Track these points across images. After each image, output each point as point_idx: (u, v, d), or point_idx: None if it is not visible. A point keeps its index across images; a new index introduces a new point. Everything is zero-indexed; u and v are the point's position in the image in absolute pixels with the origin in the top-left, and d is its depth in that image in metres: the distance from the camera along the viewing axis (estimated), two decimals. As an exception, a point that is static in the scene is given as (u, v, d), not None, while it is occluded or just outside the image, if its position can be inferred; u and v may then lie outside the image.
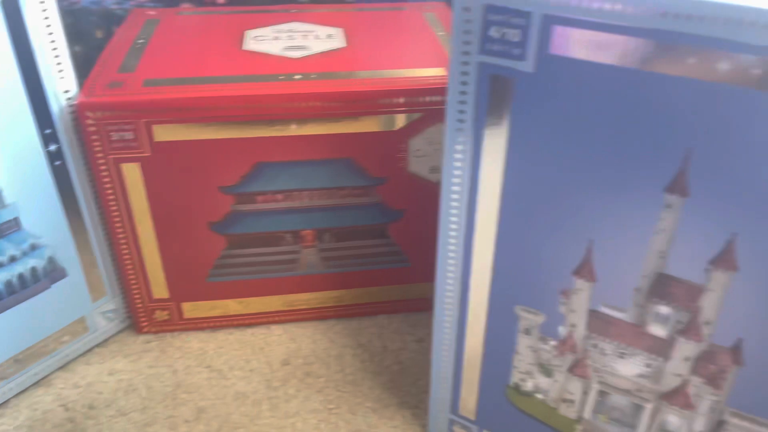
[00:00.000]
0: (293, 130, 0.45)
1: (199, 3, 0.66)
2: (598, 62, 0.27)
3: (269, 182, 0.47)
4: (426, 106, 0.46)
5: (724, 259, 0.28)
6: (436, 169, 0.49)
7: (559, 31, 0.27)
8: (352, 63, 0.48)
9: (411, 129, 0.47)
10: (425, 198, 0.50)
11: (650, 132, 0.27)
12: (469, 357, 0.39)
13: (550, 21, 0.27)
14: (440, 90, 0.46)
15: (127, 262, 0.49)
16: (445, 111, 0.32)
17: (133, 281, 0.50)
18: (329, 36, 0.53)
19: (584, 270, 0.32)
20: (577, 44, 0.27)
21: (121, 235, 0.48)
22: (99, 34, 0.65)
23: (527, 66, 0.29)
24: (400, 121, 0.46)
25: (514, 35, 0.28)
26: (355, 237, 0.51)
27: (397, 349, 0.52)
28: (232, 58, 0.49)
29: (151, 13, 0.58)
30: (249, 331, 0.54)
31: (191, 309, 0.53)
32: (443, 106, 0.46)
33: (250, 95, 0.43)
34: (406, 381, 0.49)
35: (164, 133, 0.44)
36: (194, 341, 0.53)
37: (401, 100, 0.45)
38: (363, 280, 0.54)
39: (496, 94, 0.30)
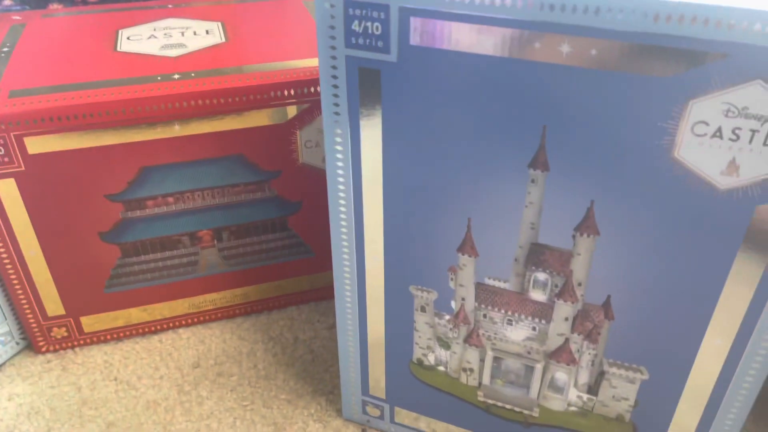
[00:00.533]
0: (177, 131, 0.44)
1: (69, 2, 0.63)
2: (456, 50, 0.29)
3: (158, 186, 0.46)
4: (312, 97, 0.46)
5: (586, 225, 0.31)
6: (329, 158, 0.49)
7: (416, 23, 0.28)
8: (233, 58, 0.48)
9: (299, 120, 0.47)
10: (321, 187, 0.51)
11: (509, 113, 0.29)
12: (372, 339, 0.41)
13: (407, 13, 0.28)
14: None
15: (15, 282, 0.47)
16: (322, 107, 0.33)
17: (23, 301, 0.48)
18: (208, 31, 0.52)
19: (466, 246, 0.34)
20: (434, 35, 0.28)
21: (3, 255, 0.45)
22: (-40, 41, 0.61)
23: (391, 57, 0.30)
24: (288, 113, 0.46)
25: (375, 28, 0.29)
26: (254, 233, 0.51)
27: (308, 338, 0.53)
28: (105, 60, 0.47)
29: (16, 17, 0.55)
30: (156, 337, 0.53)
31: (92, 322, 0.51)
32: (328, 95, 0.46)
33: (127, 99, 0.42)
34: (318, 369, 0.50)
35: (38, 145, 0.42)
36: (98, 355, 0.51)
37: (287, 92, 0.45)
38: (268, 274, 0.54)
39: (365, 86, 0.31)
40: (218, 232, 0.50)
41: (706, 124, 0.26)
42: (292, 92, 0.46)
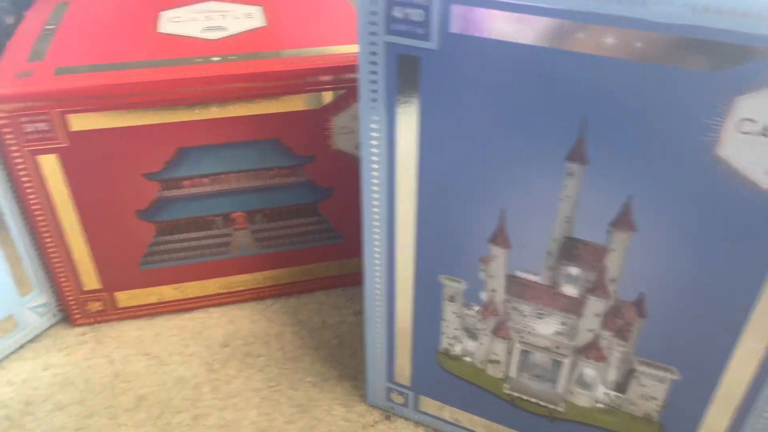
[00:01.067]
0: (214, 112, 0.45)
1: (113, -17, 0.64)
2: (497, 39, 0.28)
3: (194, 167, 0.47)
4: (348, 84, 0.46)
5: (622, 221, 0.30)
6: (363, 145, 0.49)
7: (458, 10, 0.28)
8: (272, 42, 0.48)
9: (335, 106, 0.47)
10: (353, 174, 0.51)
11: (549, 104, 0.29)
12: (400, 326, 0.41)
13: (449, 1, 0.28)
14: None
15: (54, 255, 0.48)
16: (359, 93, 0.33)
17: (61, 274, 0.49)
18: (248, 15, 0.53)
19: (499, 238, 0.34)
20: (476, 22, 0.28)
21: (44, 229, 0.47)
22: (10, 20, 0.62)
23: (432, 45, 0.29)
24: (324, 99, 0.47)
25: (417, 15, 0.29)
26: (286, 216, 0.52)
27: (335, 323, 0.54)
28: (148, 41, 0.48)
29: (62, -4, 0.56)
30: (187, 315, 0.54)
31: (126, 298, 0.52)
32: (365, 82, 0.47)
33: (169, 80, 0.43)
34: (345, 353, 0.51)
35: (81, 122, 0.43)
36: (131, 330, 0.53)
37: (324, 78, 0.46)
38: (298, 258, 0.54)
39: (404, 73, 0.31)
40: (251, 214, 0.51)
41: (753, 121, 0.25)
42: (329, 78, 0.46)
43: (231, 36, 0.49)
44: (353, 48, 0.47)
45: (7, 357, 0.50)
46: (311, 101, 0.46)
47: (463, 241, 0.35)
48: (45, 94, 0.41)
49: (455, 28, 0.28)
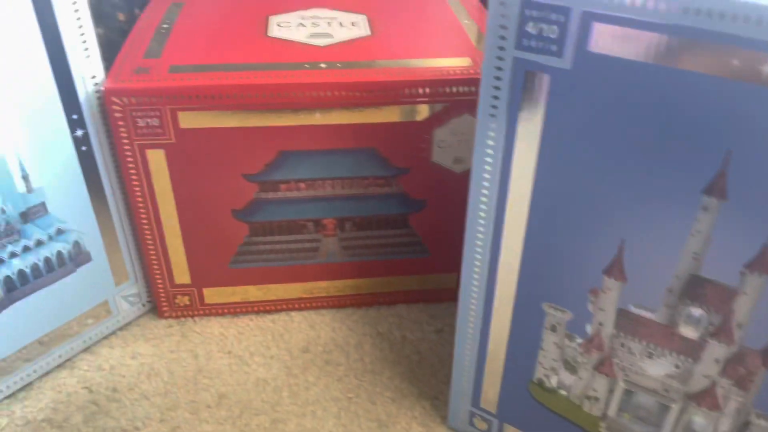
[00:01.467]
0: (318, 119, 0.45)
1: (221, -14, 0.65)
2: (637, 60, 0.27)
3: (293, 171, 0.47)
4: (452, 97, 0.46)
5: (759, 263, 0.28)
6: (460, 160, 0.48)
7: (599, 28, 0.27)
8: (377, 52, 0.48)
9: (436, 119, 0.46)
10: (448, 188, 0.50)
11: (689, 133, 0.27)
12: (492, 350, 0.39)
13: (589, 18, 0.27)
14: (467, 81, 0.45)
15: (150, 247, 0.49)
16: (478, 104, 0.32)
17: (155, 266, 0.51)
18: (353, 23, 0.53)
19: (615, 269, 0.32)
20: (616, 41, 0.27)
21: (144, 221, 0.48)
22: (121, 16, 0.65)
23: (564, 63, 0.28)
24: (425, 111, 0.46)
25: (551, 31, 0.28)
26: (376, 226, 0.51)
27: (416, 339, 0.52)
28: (257, 44, 0.48)
29: (175, -4, 0.58)
30: (269, 317, 0.55)
31: (212, 294, 0.53)
32: (469, 97, 0.46)
33: (277, 84, 0.43)
34: (425, 372, 0.50)
35: (189, 120, 0.44)
36: (215, 327, 0.53)
37: (427, 90, 0.45)
38: (383, 269, 0.54)
39: (530, 90, 0.30)
40: (342, 221, 0.51)
41: None
42: (431, 90, 0.45)
43: (337, 43, 0.49)
44: (457, 61, 0.47)
45: (98, 342, 0.51)
46: (410, 113, 0.46)
47: (573, 269, 0.33)
48: (160, 91, 0.42)
49: (594, 46, 0.27)
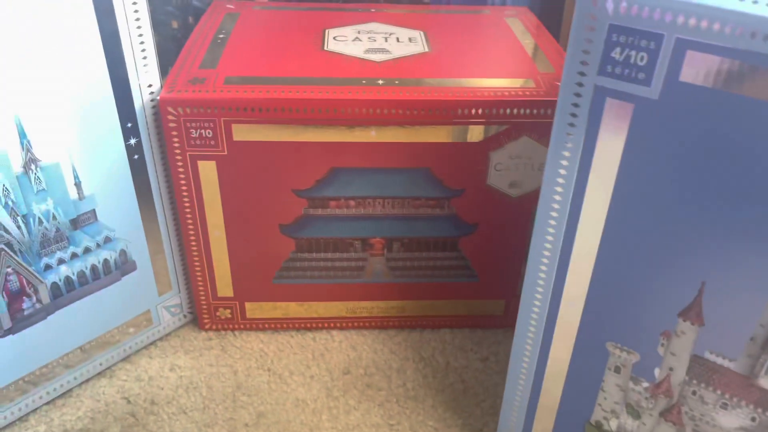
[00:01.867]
0: (373, 136, 0.44)
1: (275, -3, 0.65)
2: (731, 93, 0.25)
3: (343, 188, 0.46)
4: (510, 119, 0.44)
5: None
6: (517, 185, 0.47)
7: (692, 57, 0.25)
8: (436, 70, 0.47)
9: (493, 141, 0.45)
10: (501, 213, 0.48)
11: (788, 173, 0.25)
12: (547, 388, 0.37)
13: (683, 45, 0.25)
14: (528, 103, 0.43)
15: (195, 258, 0.49)
16: (552, 130, 0.30)
17: (199, 278, 0.50)
18: (411, 39, 0.52)
19: (692, 312, 0.30)
20: (710, 72, 0.25)
21: (191, 232, 0.47)
22: (175, 24, 0.65)
23: (651, 92, 0.26)
24: (483, 132, 0.44)
25: (640, 58, 0.26)
26: (424, 248, 0.50)
27: (460, 366, 0.51)
28: (313, 58, 0.47)
29: (230, 6, 0.58)
30: (309, 335, 0.53)
31: (254, 309, 0.52)
32: (530, 119, 0.44)
33: (334, 99, 0.42)
34: (469, 402, 0.48)
35: (243, 132, 0.43)
36: (255, 342, 0.52)
37: (485, 111, 0.43)
38: (428, 292, 0.52)
39: (611, 119, 0.28)
40: (390, 241, 0.49)
41: None
42: (489, 111, 0.44)
43: (395, 59, 0.48)
44: (517, 82, 0.45)
45: (138, 352, 0.51)
46: (467, 134, 0.44)
47: (644, 309, 0.31)
48: (215, 102, 0.42)
49: (687, 76, 0.25)
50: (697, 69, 0.25)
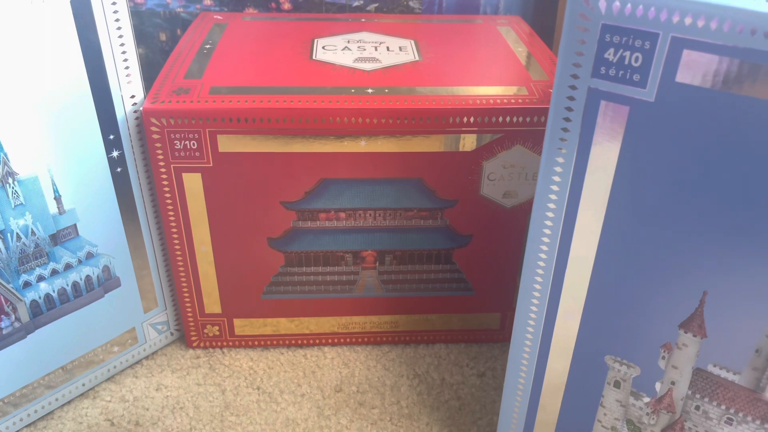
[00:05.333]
0: (362, 146, 0.43)
1: (264, 8, 0.64)
2: (730, 93, 0.24)
3: (334, 199, 0.45)
4: (504, 127, 0.43)
5: None
6: (511, 194, 0.46)
7: (690, 57, 0.24)
8: (427, 78, 0.46)
9: (486, 150, 0.44)
10: (496, 224, 0.47)
11: (792, 176, 0.24)
12: (544, 404, 0.36)
13: (680, 45, 0.24)
14: (521, 111, 0.42)
15: (182, 274, 0.47)
16: (545, 136, 0.29)
17: (186, 294, 0.48)
18: (401, 48, 0.51)
19: (693, 324, 0.29)
20: (708, 72, 0.24)
21: (177, 247, 0.46)
22: (163, 37, 0.64)
23: (647, 94, 0.25)
24: (475, 141, 0.43)
25: (634, 59, 0.25)
26: (417, 261, 0.49)
27: (456, 382, 0.49)
28: (301, 67, 0.46)
29: (218, 17, 0.57)
30: (300, 351, 0.52)
31: (242, 325, 0.51)
32: (523, 127, 0.43)
33: (322, 108, 0.41)
34: (465, 419, 0.46)
35: (229, 143, 0.42)
36: (244, 359, 0.51)
37: (477, 119, 0.42)
38: (422, 306, 0.51)
39: (606, 122, 0.27)
40: (382, 254, 0.48)
41: None
42: (482, 120, 0.43)
43: (385, 68, 0.47)
44: (510, 90, 0.44)
45: (122, 371, 0.49)
46: (459, 143, 0.43)
47: (644, 321, 0.30)
48: (199, 112, 0.41)
49: (683, 77, 0.24)
50: (693, 69, 0.24)
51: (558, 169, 0.29)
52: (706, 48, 0.24)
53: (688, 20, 0.23)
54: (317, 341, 0.52)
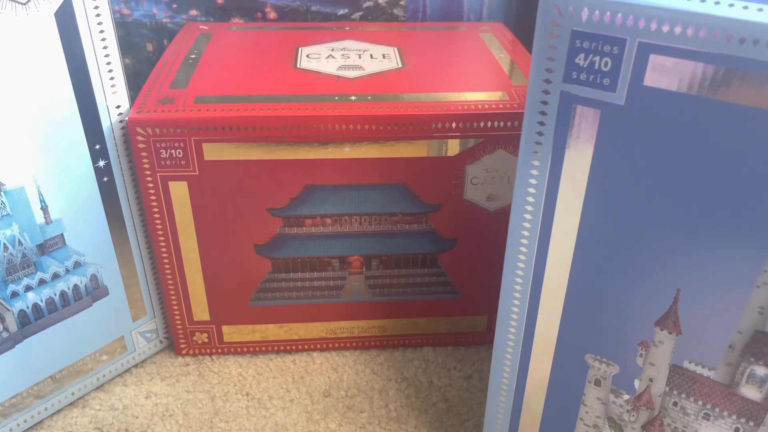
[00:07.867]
0: (347, 152, 0.43)
1: (250, 18, 0.65)
2: (697, 96, 0.25)
3: (319, 205, 0.45)
4: (485, 132, 0.44)
5: (837, 320, 0.25)
6: (494, 198, 0.46)
7: (656, 61, 0.25)
8: (409, 85, 0.46)
9: (469, 155, 0.44)
10: (480, 227, 0.48)
11: (754, 174, 0.25)
12: (528, 404, 0.37)
13: (647, 49, 0.25)
14: (502, 116, 0.43)
15: (170, 282, 0.48)
16: (520, 140, 0.30)
17: (174, 302, 0.49)
18: (384, 56, 0.52)
19: (668, 321, 0.29)
20: (674, 75, 0.25)
21: (164, 255, 0.46)
22: (150, 47, 0.65)
23: (617, 98, 0.26)
24: (458, 146, 0.44)
25: (604, 64, 0.26)
26: (403, 265, 0.49)
27: (443, 385, 0.50)
28: (285, 76, 0.47)
29: (204, 27, 0.58)
30: (289, 357, 0.52)
31: (231, 332, 0.51)
32: (504, 132, 0.44)
33: (306, 116, 0.42)
34: (453, 421, 0.47)
35: (214, 151, 0.42)
36: (233, 366, 0.51)
37: (459, 125, 0.43)
38: (409, 310, 0.51)
39: (578, 125, 0.28)
40: (368, 259, 0.49)
41: None
42: (464, 125, 0.43)
43: (368, 75, 0.48)
44: (492, 95, 0.45)
45: (112, 380, 0.49)
46: (442, 148, 0.44)
47: (621, 319, 0.31)
48: (185, 121, 0.41)
49: (651, 80, 0.25)
50: (660, 73, 0.25)
51: (534, 172, 0.30)
52: (671, 52, 0.24)
53: (653, 26, 0.24)
54: (306, 347, 0.52)
